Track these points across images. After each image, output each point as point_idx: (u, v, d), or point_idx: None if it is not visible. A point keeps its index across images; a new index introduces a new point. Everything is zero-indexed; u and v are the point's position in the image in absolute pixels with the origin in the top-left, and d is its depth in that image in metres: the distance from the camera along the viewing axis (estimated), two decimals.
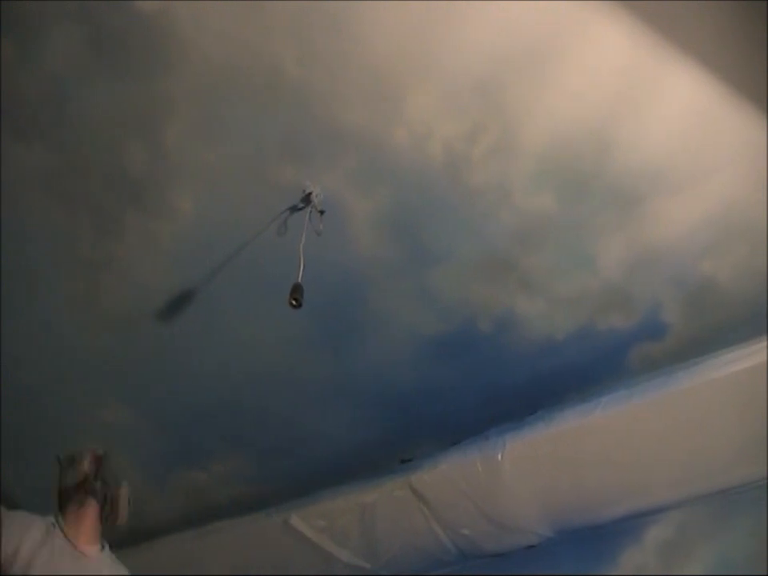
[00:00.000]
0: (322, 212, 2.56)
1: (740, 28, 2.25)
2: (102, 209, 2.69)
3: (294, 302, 2.47)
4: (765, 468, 2.71)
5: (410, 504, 3.09)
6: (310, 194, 2.56)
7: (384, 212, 2.65)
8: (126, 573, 2.26)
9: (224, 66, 2.34)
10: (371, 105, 2.41)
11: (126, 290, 2.73)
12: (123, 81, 2.37)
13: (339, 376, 3.08)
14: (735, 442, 2.71)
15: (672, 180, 2.57)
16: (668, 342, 2.87)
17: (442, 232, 2.69)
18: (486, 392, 3.07)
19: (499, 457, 2.92)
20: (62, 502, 2.24)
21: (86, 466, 2.26)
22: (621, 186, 2.57)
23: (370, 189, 2.60)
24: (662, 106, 2.41)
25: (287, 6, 2.22)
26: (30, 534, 2.10)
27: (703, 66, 2.31)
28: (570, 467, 2.87)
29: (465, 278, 2.79)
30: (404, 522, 3.12)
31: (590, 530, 2.98)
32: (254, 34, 2.28)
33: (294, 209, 2.60)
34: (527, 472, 2.91)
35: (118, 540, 3.60)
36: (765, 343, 2.68)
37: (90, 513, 2.22)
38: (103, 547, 2.24)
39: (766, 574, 2.63)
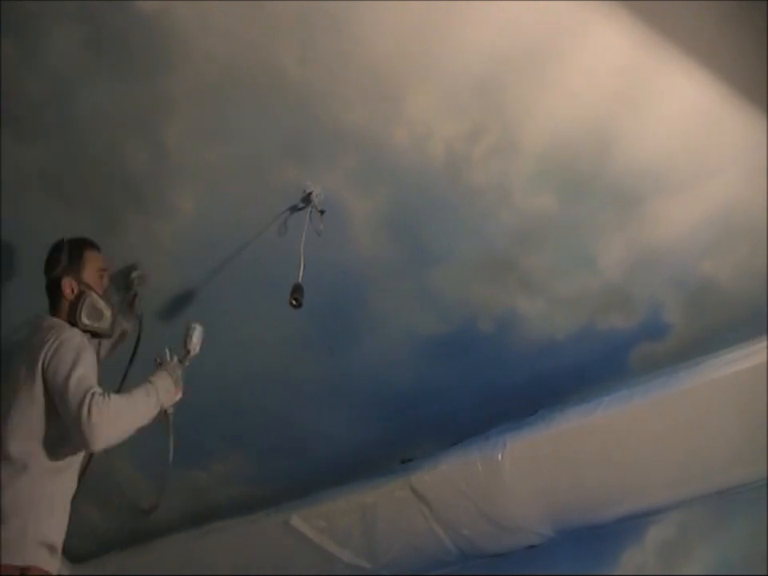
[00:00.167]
0: (322, 212, 2.56)
1: (741, 28, 2.25)
2: (103, 209, 2.69)
3: (294, 302, 2.47)
4: (765, 468, 2.71)
5: (411, 504, 3.09)
6: (310, 193, 2.56)
7: (384, 212, 2.65)
8: None
9: (225, 66, 2.34)
10: (372, 105, 2.42)
11: None
12: (124, 81, 2.37)
13: (339, 376, 3.09)
14: (736, 442, 2.71)
15: (672, 180, 2.57)
16: (669, 342, 2.87)
17: (442, 232, 2.69)
18: (486, 392, 3.07)
19: (499, 457, 2.92)
20: None
21: None
22: (621, 186, 2.57)
23: (370, 189, 2.60)
24: (662, 106, 2.41)
25: (288, 6, 2.22)
26: None
27: (704, 65, 2.31)
28: (570, 467, 2.87)
29: (465, 278, 2.79)
30: (404, 523, 3.12)
31: (591, 530, 2.98)
32: (254, 34, 2.28)
33: (294, 209, 2.60)
34: (528, 472, 2.91)
35: (118, 540, 3.63)
36: (765, 343, 2.67)
37: None
38: None
39: (766, 574, 2.63)
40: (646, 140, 2.47)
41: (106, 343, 2.65)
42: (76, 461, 2.23)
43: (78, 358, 2.17)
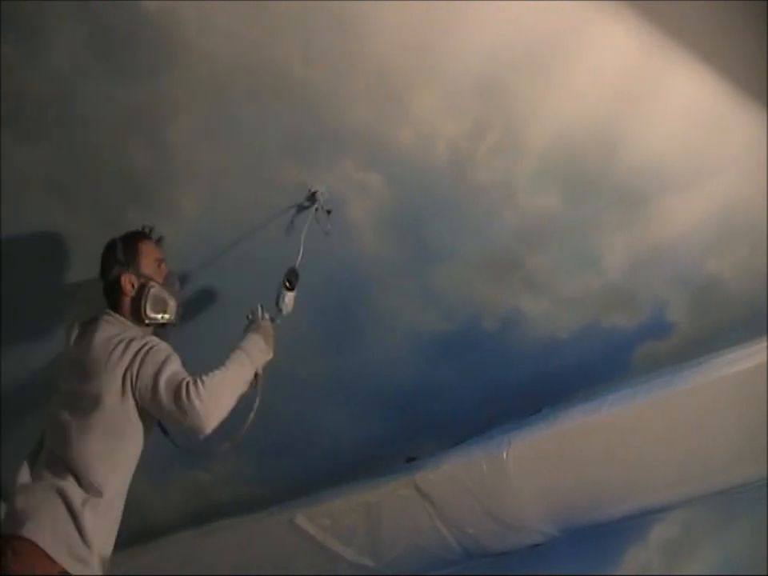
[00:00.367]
0: (329, 211, 2.55)
1: (745, 28, 2.25)
2: (105, 208, 2.68)
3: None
4: (767, 467, 2.72)
5: (415, 503, 3.09)
6: (315, 192, 2.55)
7: (388, 211, 2.65)
8: None
9: (228, 66, 2.32)
10: (376, 104, 2.41)
11: None
12: (126, 80, 2.36)
13: (343, 374, 3.08)
14: (738, 440, 2.71)
15: (676, 179, 2.57)
16: (673, 341, 2.88)
17: (446, 231, 2.69)
18: (490, 391, 3.08)
19: (504, 455, 2.92)
20: None
21: None
22: (625, 185, 2.57)
23: (373, 188, 2.59)
24: (666, 106, 2.41)
25: (292, 6, 2.21)
26: None
27: (708, 65, 2.31)
28: (574, 466, 2.87)
29: (469, 277, 2.79)
30: (409, 521, 3.12)
31: (594, 529, 2.98)
32: (258, 33, 2.27)
33: (299, 208, 2.60)
34: (532, 471, 2.91)
35: (118, 540, 3.61)
36: (767, 343, 2.68)
37: None
38: None
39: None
40: (650, 139, 2.48)
41: None
42: (135, 454, 2.27)
43: (166, 359, 2.18)
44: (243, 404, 2.35)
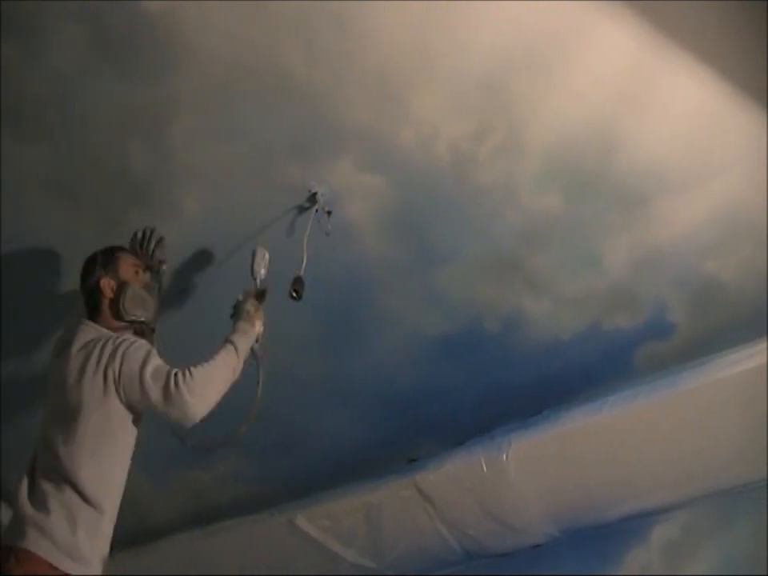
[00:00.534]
0: (329, 213, 2.55)
1: (746, 28, 2.25)
2: (106, 209, 2.67)
3: (294, 294, 2.45)
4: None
5: (416, 504, 3.09)
6: (315, 193, 2.55)
7: (390, 212, 2.64)
8: None
9: (229, 66, 2.32)
10: (377, 105, 2.40)
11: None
12: (127, 81, 2.35)
13: (345, 375, 3.08)
14: (739, 441, 2.72)
15: (677, 180, 2.57)
16: (674, 341, 2.88)
17: (448, 232, 2.69)
18: (491, 392, 3.08)
19: (504, 457, 2.92)
20: None
21: None
22: (626, 185, 2.57)
23: (375, 188, 2.59)
24: (666, 106, 2.41)
25: (293, 6, 2.20)
26: None
27: (708, 66, 2.31)
28: (575, 467, 2.88)
29: (471, 278, 2.79)
30: (409, 522, 3.13)
31: (596, 530, 2.99)
32: (259, 34, 2.26)
33: (300, 209, 2.60)
34: (533, 472, 2.92)
35: (118, 540, 3.61)
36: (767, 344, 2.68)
37: None
38: None
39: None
40: (651, 140, 2.48)
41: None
42: (126, 455, 2.27)
43: (147, 354, 2.19)
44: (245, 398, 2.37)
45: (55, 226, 2.69)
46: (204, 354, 2.83)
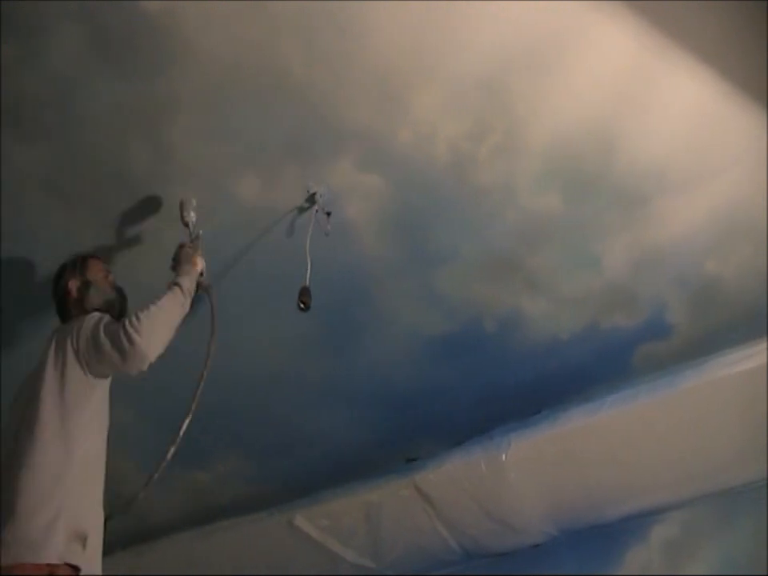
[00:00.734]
0: (328, 213, 2.55)
1: (745, 28, 2.25)
2: (105, 209, 2.67)
3: (302, 305, 2.46)
4: (767, 467, 2.72)
5: (415, 504, 3.09)
6: (314, 194, 2.55)
7: (389, 212, 2.64)
8: None
9: (228, 66, 2.31)
10: (376, 105, 2.40)
11: (129, 289, 2.70)
12: (126, 81, 2.35)
13: (344, 375, 3.08)
14: (738, 441, 2.73)
15: (676, 180, 2.58)
16: (673, 341, 2.89)
17: (447, 232, 2.69)
18: (490, 392, 3.08)
19: (504, 457, 2.92)
20: None
21: None
22: (626, 185, 2.58)
23: (374, 188, 2.59)
24: (666, 106, 2.41)
25: (292, 6, 2.20)
26: None
27: (708, 66, 2.32)
28: (574, 467, 2.88)
29: (470, 278, 2.80)
30: (409, 522, 3.13)
31: (595, 530, 3.00)
32: (258, 34, 2.25)
33: (299, 209, 2.60)
34: (532, 472, 2.92)
35: (118, 540, 3.61)
36: (767, 344, 2.68)
37: None
38: None
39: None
40: (650, 140, 2.48)
41: None
42: (99, 425, 2.23)
43: (100, 319, 2.23)
44: None
45: (55, 226, 2.69)
46: (203, 353, 2.89)
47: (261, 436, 3.27)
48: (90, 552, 2.11)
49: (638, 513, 2.92)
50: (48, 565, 1.97)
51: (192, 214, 2.54)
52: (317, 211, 2.54)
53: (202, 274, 2.47)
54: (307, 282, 2.49)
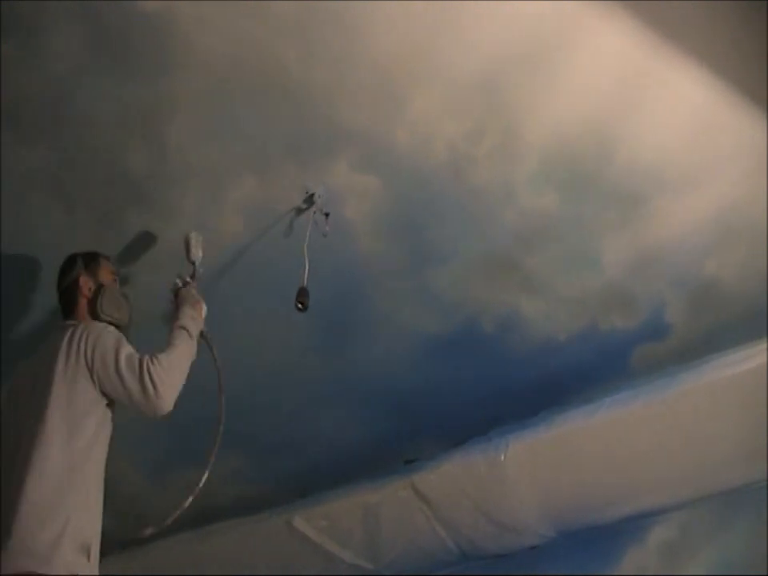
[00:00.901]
0: (327, 214, 2.55)
1: (742, 28, 2.25)
2: (104, 209, 2.67)
3: (300, 306, 2.47)
4: (766, 468, 2.71)
5: (413, 505, 3.09)
6: (312, 194, 2.55)
7: (387, 212, 2.65)
8: None
9: (227, 66, 2.32)
10: (375, 104, 2.41)
11: (128, 289, 2.71)
12: (125, 80, 2.36)
13: (342, 376, 3.08)
14: (737, 442, 2.71)
15: (675, 180, 2.58)
16: (671, 342, 2.88)
17: (445, 232, 2.70)
18: (488, 392, 3.08)
19: (502, 457, 2.92)
20: None
21: None
22: (624, 185, 2.58)
23: (372, 188, 2.60)
24: (664, 107, 2.42)
25: (291, 5, 2.21)
26: None
27: (705, 66, 2.32)
28: (572, 468, 2.87)
29: (468, 278, 2.80)
30: (407, 523, 3.12)
31: (593, 531, 2.98)
32: (257, 33, 2.26)
33: (297, 210, 2.60)
34: (530, 472, 2.91)
35: (118, 540, 3.61)
36: (766, 344, 2.67)
37: None
38: None
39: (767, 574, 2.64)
40: (649, 140, 2.48)
41: None
42: (104, 436, 2.21)
43: (118, 341, 2.21)
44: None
45: (55, 226, 2.70)
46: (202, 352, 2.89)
47: (259, 437, 3.27)
48: (93, 562, 2.12)
49: (636, 514, 2.91)
50: None
51: (200, 252, 2.56)
52: (315, 212, 2.55)
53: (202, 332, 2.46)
54: (305, 283, 2.49)
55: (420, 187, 2.59)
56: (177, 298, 2.49)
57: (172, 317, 2.42)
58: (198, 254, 2.55)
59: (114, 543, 3.61)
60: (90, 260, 2.48)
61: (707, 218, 2.64)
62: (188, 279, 2.52)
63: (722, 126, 2.44)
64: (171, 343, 2.28)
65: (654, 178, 2.57)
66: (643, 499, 2.89)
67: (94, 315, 2.37)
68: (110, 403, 2.24)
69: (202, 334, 2.45)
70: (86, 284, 2.41)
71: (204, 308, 2.46)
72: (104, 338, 2.20)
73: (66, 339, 2.21)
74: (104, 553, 3.69)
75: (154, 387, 2.12)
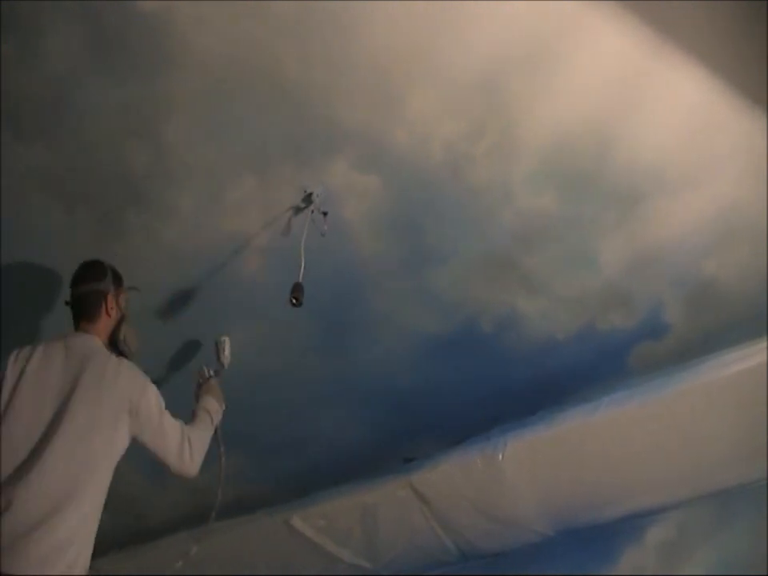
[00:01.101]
0: (325, 213, 2.56)
1: (741, 28, 2.26)
2: (103, 208, 2.68)
3: (294, 301, 2.48)
4: (765, 468, 2.71)
5: (411, 504, 3.09)
6: (311, 194, 2.56)
7: (386, 212, 2.65)
8: None
9: (225, 66, 2.33)
10: (373, 105, 2.42)
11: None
12: (124, 80, 2.36)
13: (341, 375, 3.08)
14: (736, 442, 2.71)
15: (673, 180, 2.58)
16: (669, 341, 2.89)
17: (444, 231, 2.70)
18: (487, 392, 3.08)
19: (500, 457, 2.92)
20: None
21: None
22: (622, 185, 2.59)
23: (370, 188, 2.60)
24: (664, 106, 2.42)
25: (290, 5, 2.22)
26: None
27: (704, 66, 2.32)
28: (571, 467, 2.87)
29: (466, 278, 2.80)
30: (405, 522, 3.12)
31: (591, 530, 2.98)
32: (255, 33, 2.27)
33: (295, 209, 2.60)
34: (528, 472, 2.91)
35: (118, 540, 3.61)
36: (765, 343, 2.67)
37: None
38: None
39: (766, 574, 2.64)
40: (647, 140, 2.49)
41: None
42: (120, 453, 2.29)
43: (159, 397, 2.32)
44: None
45: (55, 226, 2.70)
46: (204, 351, 2.90)
47: (259, 437, 3.27)
48: (86, 565, 2.17)
49: (634, 513, 2.91)
50: None
51: (228, 354, 2.76)
52: (313, 211, 2.55)
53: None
54: (300, 279, 2.50)
55: (419, 187, 2.59)
56: (204, 385, 2.67)
57: (196, 398, 2.63)
58: (228, 357, 2.77)
59: (114, 543, 3.64)
60: (119, 281, 2.49)
61: (706, 218, 2.64)
62: (212, 374, 2.71)
63: (722, 126, 2.44)
64: (198, 424, 2.48)
65: (654, 178, 2.57)
66: (641, 498, 2.90)
67: (113, 340, 2.43)
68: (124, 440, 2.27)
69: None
70: (112, 303, 2.44)
71: (224, 406, 2.65)
72: (150, 390, 2.29)
73: (98, 362, 2.24)
74: (104, 553, 3.72)
75: (192, 459, 2.34)
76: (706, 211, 2.63)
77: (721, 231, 2.67)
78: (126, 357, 2.42)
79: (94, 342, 2.34)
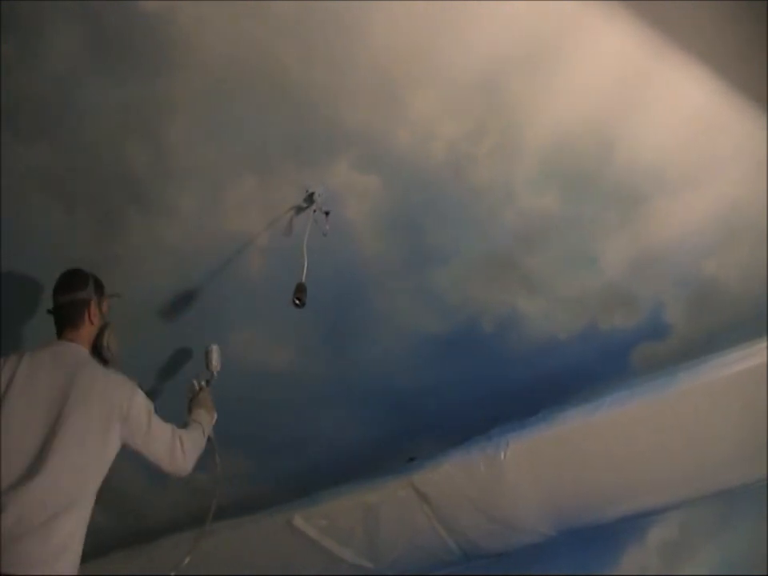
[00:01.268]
0: (327, 213, 2.56)
1: (742, 28, 2.26)
2: (104, 208, 2.68)
3: (297, 302, 2.48)
4: (766, 468, 2.71)
5: (413, 504, 3.08)
6: (312, 193, 2.56)
7: (387, 212, 2.65)
8: None
9: (226, 66, 2.33)
10: (375, 105, 2.42)
11: (128, 289, 2.72)
12: (125, 80, 2.36)
13: (342, 375, 3.08)
14: (737, 441, 2.72)
15: (674, 180, 2.58)
16: (671, 341, 2.88)
17: (445, 231, 2.70)
18: (488, 391, 3.08)
19: (502, 456, 2.91)
20: None
21: None
22: (624, 185, 2.58)
23: (373, 188, 2.60)
24: (664, 106, 2.42)
25: (291, 5, 2.22)
26: None
27: (705, 66, 2.32)
28: (572, 467, 2.87)
29: (468, 278, 2.80)
30: (407, 522, 3.12)
31: (593, 530, 2.98)
32: (256, 33, 2.27)
33: (297, 209, 2.61)
34: (530, 472, 2.91)
35: (118, 540, 3.61)
36: (766, 343, 2.67)
37: None
38: None
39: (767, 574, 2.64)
40: (649, 140, 2.48)
41: None
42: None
43: (147, 401, 2.36)
44: None
45: (55, 226, 2.70)
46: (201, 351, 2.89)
47: (259, 436, 3.27)
48: (77, 566, 2.18)
49: (636, 513, 2.91)
50: None
51: (217, 363, 2.81)
52: (315, 210, 2.55)
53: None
54: (303, 279, 2.50)
55: (420, 187, 2.59)
56: (194, 398, 2.71)
57: (188, 411, 2.67)
58: (218, 366, 2.81)
59: (114, 543, 3.63)
60: (100, 289, 2.51)
61: (707, 218, 2.64)
62: (203, 384, 2.76)
63: (722, 126, 2.44)
64: (189, 430, 2.52)
65: (654, 178, 2.57)
66: (643, 498, 2.90)
67: (96, 347, 2.44)
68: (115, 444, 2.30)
69: (209, 438, 2.67)
70: (94, 311, 2.45)
71: (215, 416, 2.69)
72: (138, 395, 2.33)
73: (86, 373, 2.28)
74: (104, 552, 3.72)
75: (184, 459, 2.40)
76: (707, 211, 2.63)
77: (722, 231, 2.66)
78: (108, 362, 2.46)
79: (80, 351, 2.37)
